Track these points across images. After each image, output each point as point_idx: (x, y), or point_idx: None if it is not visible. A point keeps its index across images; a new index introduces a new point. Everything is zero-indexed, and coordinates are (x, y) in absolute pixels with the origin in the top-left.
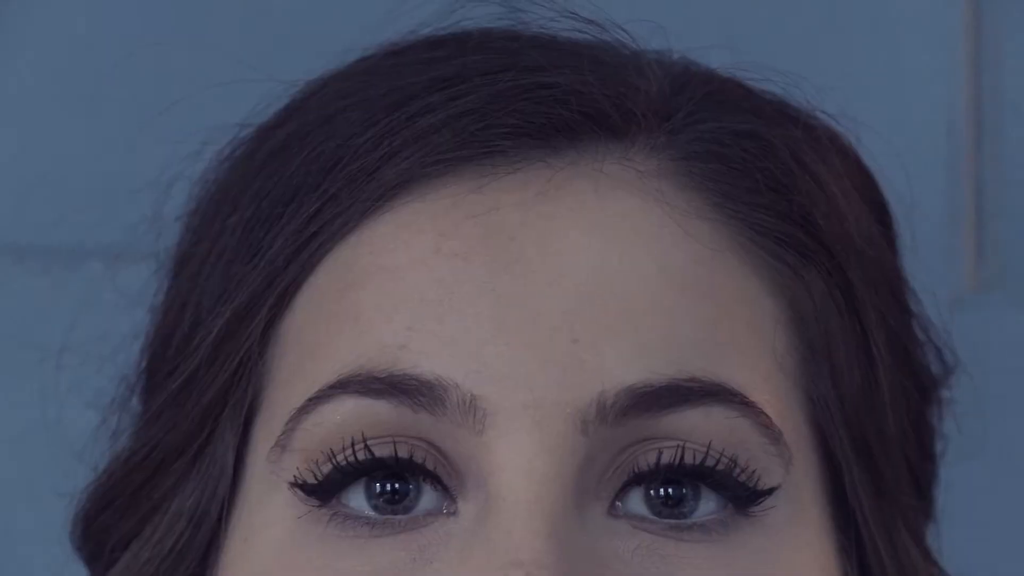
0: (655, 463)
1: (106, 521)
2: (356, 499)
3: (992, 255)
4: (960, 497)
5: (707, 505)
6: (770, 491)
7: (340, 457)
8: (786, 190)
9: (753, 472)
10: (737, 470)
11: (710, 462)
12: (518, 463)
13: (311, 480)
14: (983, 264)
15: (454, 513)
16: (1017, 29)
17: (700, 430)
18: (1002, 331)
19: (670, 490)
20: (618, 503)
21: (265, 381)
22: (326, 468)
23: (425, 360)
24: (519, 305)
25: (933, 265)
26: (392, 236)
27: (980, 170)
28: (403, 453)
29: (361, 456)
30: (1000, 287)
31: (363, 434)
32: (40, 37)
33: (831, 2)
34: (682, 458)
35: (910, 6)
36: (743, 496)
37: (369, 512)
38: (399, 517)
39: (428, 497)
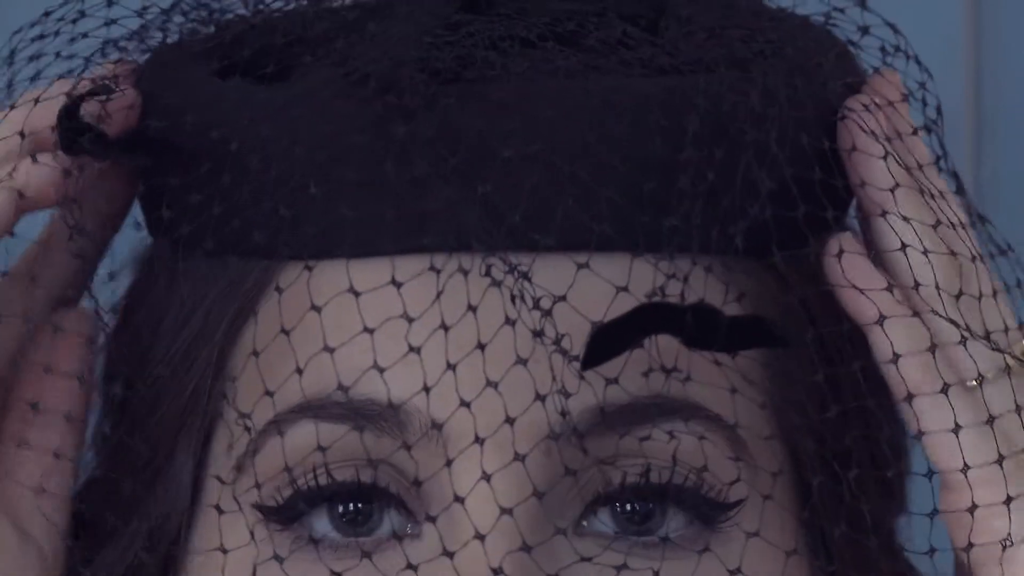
0: (621, 482)
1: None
2: (318, 522)
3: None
4: None
5: (675, 521)
6: (737, 503)
7: (301, 481)
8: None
9: (720, 488)
10: (704, 486)
11: (677, 479)
12: (482, 487)
13: (272, 503)
14: None
15: (418, 536)
16: (1017, 29)
17: (666, 447)
18: None
19: (637, 506)
20: (584, 522)
21: (223, 400)
22: (287, 492)
23: (385, 385)
24: (476, 357)
25: None
26: (353, 266)
27: (980, 170)
28: (365, 477)
29: (323, 480)
30: None
31: (324, 459)
32: None
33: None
34: (648, 477)
35: (909, 8)
36: (711, 511)
37: (332, 535)
38: (362, 540)
39: (391, 520)
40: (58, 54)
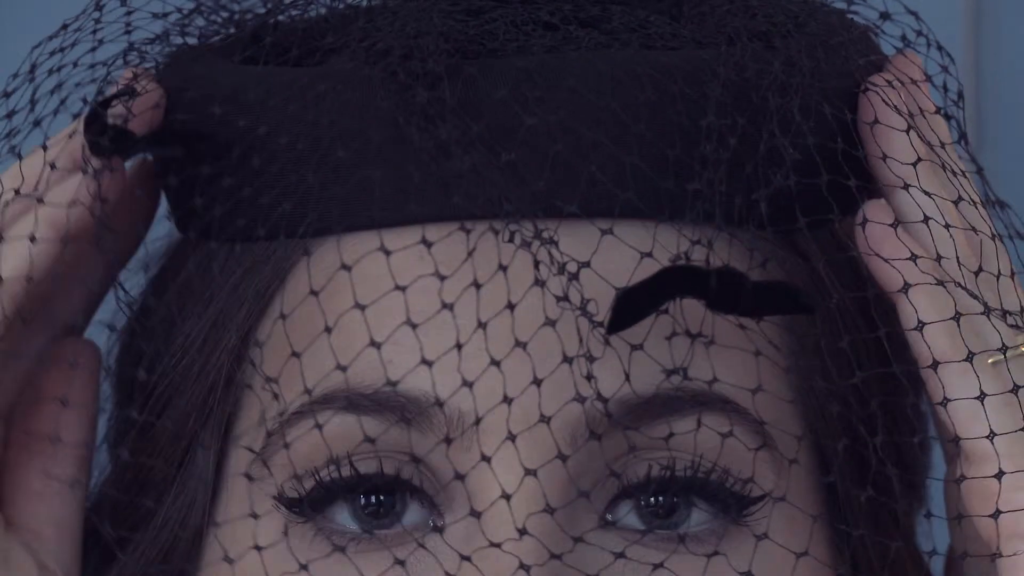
0: (645, 475)
1: (97, 536)
2: (341, 514)
3: None
4: None
5: (699, 514)
6: (762, 497)
7: (324, 473)
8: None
9: (746, 481)
10: (730, 479)
11: (702, 473)
12: (507, 479)
13: (294, 495)
14: None
15: (440, 528)
16: (1017, 28)
17: (691, 440)
18: None
19: (661, 499)
20: (608, 515)
21: (244, 389)
22: (309, 483)
23: (412, 376)
24: (505, 317)
25: None
26: (374, 241)
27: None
28: (389, 469)
29: (345, 472)
30: None
31: (348, 451)
32: None
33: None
34: (673, 470)
35: (910, 6)
36: (735, 504)
37: (354, 527)
38: (384, 532)
39: (414, 512)
40: (75, 64)
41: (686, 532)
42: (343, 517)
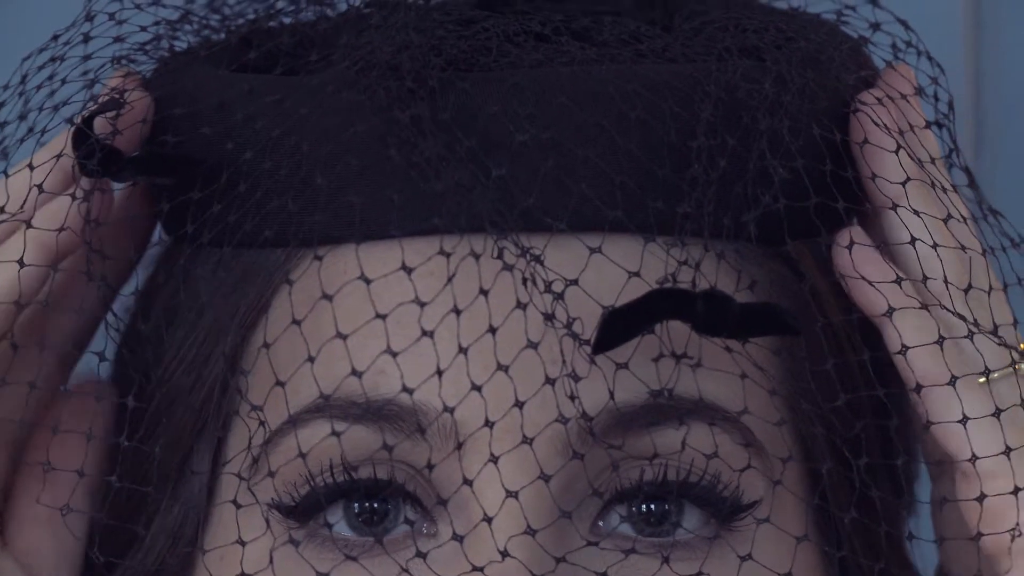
0: (638, 480)
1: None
2: (334, 520)
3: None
4: None
5: (690, 521)
6: (753, 504)
7: (318, 479)
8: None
9: (736, 487)
10: (720, 486)
11: (693, 478)
12: (499, 488)
13: (288, 502)
14: None
15: (434, 535)
16: (1017, 29)
17: (679, 447)
18: None
19: (652, 506)
20: (600, 522)
21: (237, 400)
22: (303, 490)
23: (399, 369)
24: (488, 339)
25: None
26: (363, 253)
27: (980, 171)
28: (382, 475)
29: (340, 478)
30: None
31: (342, 458)
32: None
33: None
34: (665, 475)
35: (909, 7)
36: (726, 511)
37: (347, 533)
38: (378, 538)
39: (407, 518)
40: (64, 81)
41: (676, 540)
42: (337, 523)
